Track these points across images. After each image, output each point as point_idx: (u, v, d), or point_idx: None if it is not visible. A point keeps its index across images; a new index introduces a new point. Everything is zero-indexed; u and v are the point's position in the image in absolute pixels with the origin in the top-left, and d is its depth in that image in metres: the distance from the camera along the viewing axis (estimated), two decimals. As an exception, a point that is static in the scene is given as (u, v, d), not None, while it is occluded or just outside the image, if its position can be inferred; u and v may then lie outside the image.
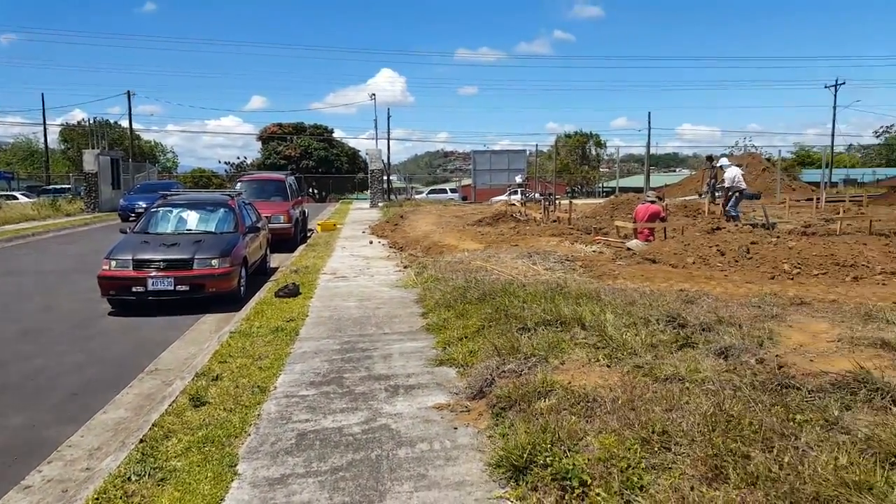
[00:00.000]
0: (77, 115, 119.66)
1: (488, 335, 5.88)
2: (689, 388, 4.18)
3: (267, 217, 13.42)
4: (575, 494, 3.12)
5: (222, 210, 10.56)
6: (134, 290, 8.66)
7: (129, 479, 3.66)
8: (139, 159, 46.42)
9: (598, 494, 3.07)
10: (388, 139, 50.52)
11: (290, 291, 9.05)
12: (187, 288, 8.71)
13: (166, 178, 45.78)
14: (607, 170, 62.68)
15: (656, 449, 3.38)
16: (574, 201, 22.55)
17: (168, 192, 11.93)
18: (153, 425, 4.44)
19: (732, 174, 16.71)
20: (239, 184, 17.88)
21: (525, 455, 3.47)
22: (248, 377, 5.44)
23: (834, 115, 52.75)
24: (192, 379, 5.44)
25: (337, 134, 61.07)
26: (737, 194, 16.72)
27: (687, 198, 26.66)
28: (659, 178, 52.12)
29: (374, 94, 45.96)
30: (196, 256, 8.89)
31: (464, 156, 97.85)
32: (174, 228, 10.22)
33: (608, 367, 4.88)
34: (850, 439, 3.31)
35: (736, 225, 14.57)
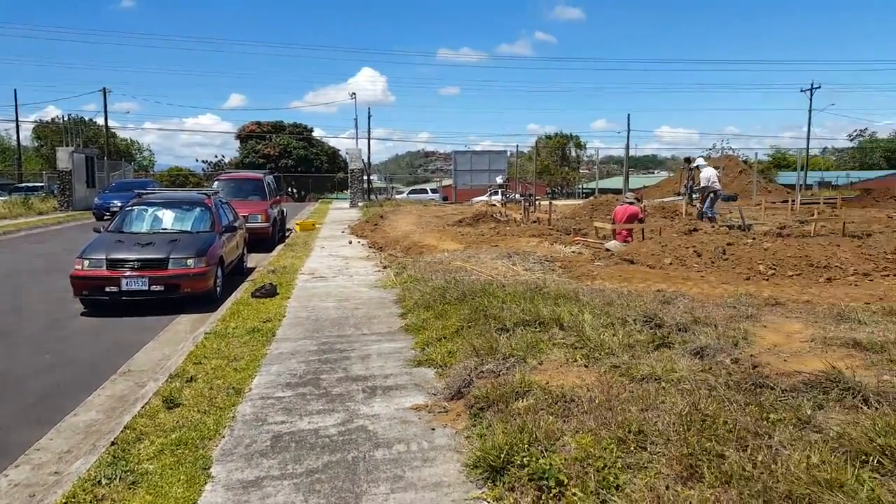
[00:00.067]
0: (51, 112, 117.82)
1: (467, 336, 5.87)
2: (665, 387, 4.21)
3: (244, 216, 13.27)
4: (551, 494, 3.12)
5: (198, 209, 10.42)
6: (107, 290, 8.51)
7: (99, 482, 3.59)
8: (115, 157, 45.69)
9: (574, 494, 3.07)
10: (369, 138, 50.31)
11: (268, 292, 8.96)
12: (162, 288, 8.58)
13: (142, 177, 44.98)
14: (587, 171, 63.07)
15: (632, 448, 3.40)
16: (554, 202, 22.69)
17: (143, 191, 11.73)
18: (125, 427, 4.36)
19: (708, 174, 16.91)
20: (216, 182, 17.65)
21: (502, 455, 3.46)
22: (223, 378, 5.37)
23: (809, 118, 53.90)
24: (166, 380, 5.35)
25: (317, 133, 60.69)
26: (712, 195, 16.92)
27: (665, 199, 26.91)
28: (638, 180, 52.67)
29: (354, 94, 45.70)
30: (171, 256, 8.76)
31: (445, 156, 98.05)
32: (149, 227, 10.06)
33: (586, 367, 4.90)
34: (821, 438, 3.35)
35: (713, 226, 14.74)
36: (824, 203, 22.80)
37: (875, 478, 2.90)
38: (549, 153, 58.81)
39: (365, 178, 38.77)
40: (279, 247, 15.70)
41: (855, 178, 52.08)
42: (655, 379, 4.41)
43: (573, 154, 62.45)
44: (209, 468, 3.75)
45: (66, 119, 55.17)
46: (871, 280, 8.48)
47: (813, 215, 17.16)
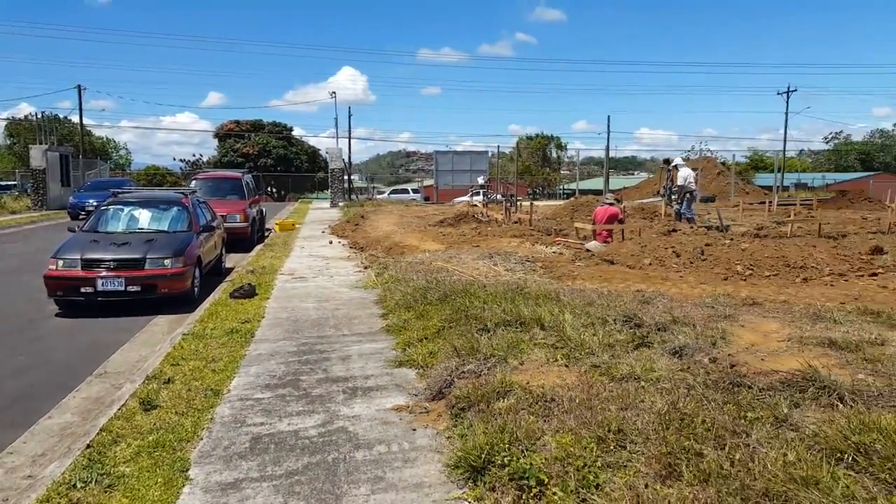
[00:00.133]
0: (24, 110, 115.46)
1: (448, 336, 5.86)
2: (644, 387, 4.24)
3: (223, 216, 13.15)
4: (532, 494, 3.13)
5: (175, 208, 10.29)
6: (82, 290, 8.37)
7: (74, 486, 3.52)
8: (90, 156, 44.92)
9: (554, 493, 3.08)
10: (350, 138, 50.12)
11: (246, 292, 8.88)
12: (139, 288, 8.46)
13: (119, 176, 44.31)
14: (568, 172, 63.52)
15: (612, 447, 3.42)
16: (535, 203, 22.77)
17: (119, 190, 11.55)
18: (101, 430, 4.29)
19: (685, 174, 17.09)
20: (194, 182, 17.46)
21: (483, 455, 3.46)
22: (202, 380, 5.31)
23: (786, 121, 54.70)
24: (143, 382, 5.28)
25: (296, 132, 60.25)
26: (688, 195, 17.09)
27: (644, 200, 27.17)
28: (618, 181, 53.02)
29: (334, 93, 45.31)
30: (148, 256, 8.64)
31: (426, 156, 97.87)
32: (125, 227, 9.91)
33: (566, 366, 4.92)
34: (798, 436, 3.40)
35: (691, 227, 14.90)
36: (801, 204, 23.17)
37: (850, 475, 2.94)
38: (531, 154, 59.10)
39: (346, 177, 38.60)
40: (258, 247, 15.57)
41: (830, 180, 53.08)
42: (635, 378, 4.44)
43: (554, 155, 62.87)
44: (187, 470, 3.70)
45: (39, 116, 54.19)
46: (847, 280, 8.62)
47: (789, 216, 17.43)
